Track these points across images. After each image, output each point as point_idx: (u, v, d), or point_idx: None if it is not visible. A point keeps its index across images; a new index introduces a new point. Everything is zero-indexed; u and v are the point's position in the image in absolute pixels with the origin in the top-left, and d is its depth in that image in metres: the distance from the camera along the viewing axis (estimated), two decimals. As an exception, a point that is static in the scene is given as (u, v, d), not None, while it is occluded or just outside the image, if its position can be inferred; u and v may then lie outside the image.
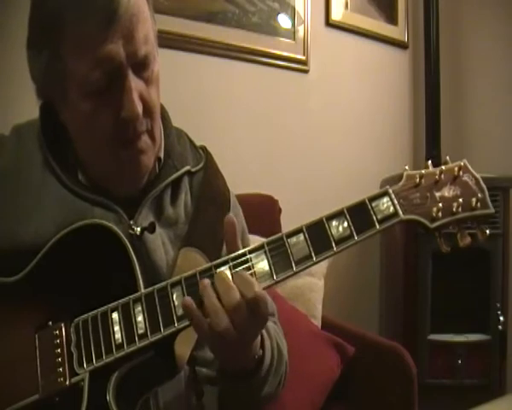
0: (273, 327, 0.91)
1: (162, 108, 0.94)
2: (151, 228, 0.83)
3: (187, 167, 0.91)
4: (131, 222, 0.83)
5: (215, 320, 0.66)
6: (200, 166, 0.96)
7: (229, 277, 0.68)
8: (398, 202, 0.72)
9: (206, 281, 0.68)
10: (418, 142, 2.52)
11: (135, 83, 0.76)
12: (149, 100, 0.79)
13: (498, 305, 2.02)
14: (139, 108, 0.76)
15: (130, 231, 0.81)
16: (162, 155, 0.90)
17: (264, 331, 0.82)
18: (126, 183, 0.85)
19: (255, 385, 0.80)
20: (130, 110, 0.75)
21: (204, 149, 1.01)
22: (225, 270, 0.71)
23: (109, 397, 0.68)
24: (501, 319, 1.99)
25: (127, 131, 0.78)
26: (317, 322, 1.65)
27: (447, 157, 0.75)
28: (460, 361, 2.00)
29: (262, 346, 0.79)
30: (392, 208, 0.72)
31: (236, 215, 0.97)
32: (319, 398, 1.41)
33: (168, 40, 1.84)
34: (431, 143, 2.28)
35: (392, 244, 2.25)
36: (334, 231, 0.71)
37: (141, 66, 0.77)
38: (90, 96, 0.75)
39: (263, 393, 0.83)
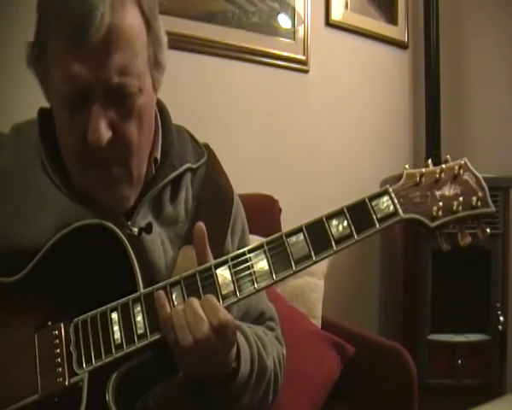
0: (255, 334, 0.89)
1: (161, 105, 0.93)
2: (148, 229, 0.82)
3: (187, 165, 0.91)
4: (129, 223, 0.82)
5: (180, 336, 0.67)
6: (202, 161, 0.95)
7: (198, 304, 0.68)
8: (398, 201, 0.72)
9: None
10: (418, 142, 2.51)
11: (106, 110, 0.74)
12: (123, 133, 0.77)
13: (498, 305, 2.02)
14: (103, 137, 0.73)
15: (128, 232, 0.81)
16: (159, 155, 0.89)
17: (243, 341, 0.81)
18: (109, 204, 0.82)
19: (231, 395, 0.79)
20: (92, 136, 0.73)
21: (206, 146, 1.00)
22: (225, 270, 0.71)
23: (108, 397, 0.68)
24: (501, 319, 1.99)
25: (93, 153, 0.75)
26: (317, 322, 1.65)
27: (447, 156, 0.75)
28: (460, 361, 1.99)
29: (237, 358, 0.78)
30: (392, 207, 0.72)
31: (237, 215, 0.97)
32: (319, 398, 1.41)
33: (168, 40, 1.83)
34: (431, 144, 2.28)
35: (392, 244, 2.24)
36: (333, 231, 0.71)
37: (115, 95, 0.74)
38: (64, 105, 0.75)
39: (242, 402, 0.82)
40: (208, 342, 0.67)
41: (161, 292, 0.70)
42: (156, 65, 0.82)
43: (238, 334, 0.80)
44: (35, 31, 0.78)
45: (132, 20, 0.75)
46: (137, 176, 0.82)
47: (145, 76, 0.78)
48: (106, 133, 0.74)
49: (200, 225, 0.73)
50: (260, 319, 0.96)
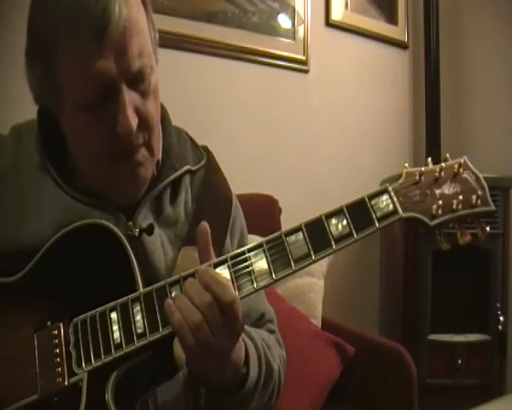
0: (261, 338, 0.89)
1: (161, 106, 0.94)
2: (149, 230, 0.82)
3: (187, 167, 0.91)
4: (130, 223, 0.83)
5: (187, 316, 0.65)
6: (201, 164, 0.95)
7: (197, 280, 0.68)
8: (398, 200, 0.71)
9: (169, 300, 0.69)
10: (418, 142, 2.52)
11: (130, 97, 0.75)
12: (146, 113, 0.78)
13: (498, 305, 2.02)
14: (134, 123, 0.75)
15: (129, 232, 0.81)
16: (160, 155, 0.89)
17: (251, 346, 0.81)
18: (125, 195, 0.84)
19: (240, 402, 0.79)
20: (124, 126, 0.74)
21: (205, 148, 1.00)
22: (224, 269, 0.71)
23: (108, 397, 0.68)
24: (501, 319, 1.99)
25: (123, 145, 0.77)
26: (317, 322, 1.65)
27: (447, 154, 0.75)
28: (460, 361, 2.00)
29: (246, 363, 0.78)
30: (391, 206, 0.71)
31: (236, 216, 0.97)
32: (319, 398, 1.41)
33: (168, 40, 1.84)
34: (431, 144, 2.28)
35: (392, 244, 2.25)
36: (333, 230, 0.70)
37: (136, 79, 0.76)
38: (84, 110, 0.75)
39: (249, 408, 0.82)
40: (213, 313, 0.65)
41: (168, 301, 0.69)
42: (155, 41, 0.83)
43: (246, 338, 0.80)
44: (34, 54, 0.77)
45: (136, 4, 0.77)
46: (156, 152, 0.85)
47: (152, 54, 0.80)
48: (134, 119, 0.75)
49: (205, 225, 0.73)
50: (260, 320, 0.96)
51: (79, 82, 0.73)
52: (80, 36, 0.71)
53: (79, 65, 0.72)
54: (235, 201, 0.99)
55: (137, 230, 0.82)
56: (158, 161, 0.89)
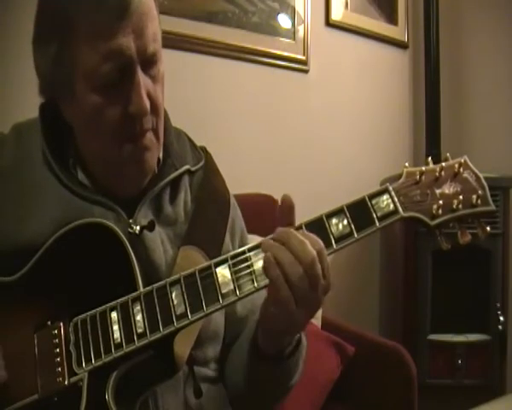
0: None
1: None
2: (151, 226, 0.82)
3: (186, 166, 0.91)
4: (130, 221, 0.83)
5: (291, 270, 0.66)
6: (200, 165, 0.95)
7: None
8: (398, 200, 0.72)
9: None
10: (418, 142, 2.52)
11: (143, 79, 0.77)
12: (155, 98, 0.80)
13: (498, 305, 2.02)
14: (147, 104, 0.77)
15: (130, 230, 0.81)
16: (161, 154, 0.90)
17: None
18: (130, 182, 0.85)
19: (289, 369, 0.81)
20: (138, 105, 0.76)
21: (204, 149, 1.01)
22: (224, 269, 0.71)
23: (108, 397, 0.68)
24: (501, 319, 1.99)
25: (134, 126, 0.78)
26: (317, 322, 1.65)
27: (447, 154, 0.75)
28: (460, 361, 2.00)
29: None
30: (392, 206, 0.71)
31: (235, 216, 0.98)
32: (319, 398, 1.41)
33: (168, 40, 1.83)
34: (431, 144, 2.28)
35: (392, 243, 2.24)
36: (333, 229, 0.71)
37: (149, 63, 0.78)
38: (99, 89, 0.75)
39: (291, 382, 0.84)
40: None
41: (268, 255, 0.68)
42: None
43: None
44: (48, 34, 0.77)
45: None
46: (161, 139, 0.86)
47: (161, 43, 0.81)
48: (147, 101, 0.77)
49: (288, 197, 0.75)
50: None
51: (98, 59, 0.73)
52: (102, 15, 0.72)
53: (100, 42, 0.73)
54: (233, 201, 1.00)
55: (138, 227, 0.82)
56: (159, 159, 0.89)
